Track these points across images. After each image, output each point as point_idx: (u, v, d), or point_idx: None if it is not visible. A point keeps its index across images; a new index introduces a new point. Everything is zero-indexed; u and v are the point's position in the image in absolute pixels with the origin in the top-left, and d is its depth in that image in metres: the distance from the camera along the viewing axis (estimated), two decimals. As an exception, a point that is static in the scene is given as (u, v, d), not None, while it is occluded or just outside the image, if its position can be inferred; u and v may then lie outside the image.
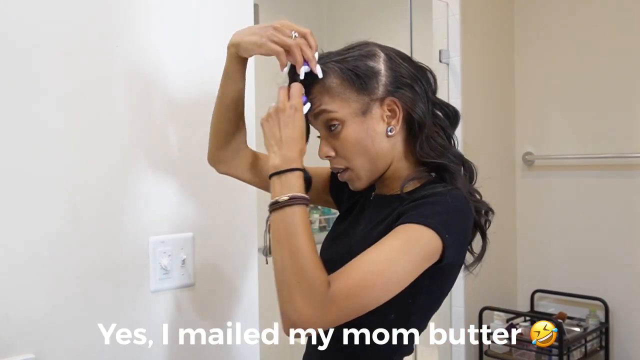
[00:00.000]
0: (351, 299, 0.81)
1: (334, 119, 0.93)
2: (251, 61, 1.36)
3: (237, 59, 0.98)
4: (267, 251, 0.93)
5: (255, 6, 1.37)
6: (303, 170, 0.87)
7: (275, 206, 0.84)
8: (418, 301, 0.92)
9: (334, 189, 1.14)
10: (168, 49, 1.21)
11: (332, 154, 0.96)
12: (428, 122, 0.95)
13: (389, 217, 0.92)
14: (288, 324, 0.81)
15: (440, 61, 2.44)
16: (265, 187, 1.10)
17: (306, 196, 0.85)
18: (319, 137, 0.98)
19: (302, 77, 0.92)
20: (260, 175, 1.12)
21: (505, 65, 2.77)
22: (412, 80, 0.95)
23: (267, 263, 0.90)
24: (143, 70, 1.17)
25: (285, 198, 0.83)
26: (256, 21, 1.37)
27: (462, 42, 2.44)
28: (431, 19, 2.49)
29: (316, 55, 0.92)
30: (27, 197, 1.02)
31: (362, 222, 1.02)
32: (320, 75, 0.92)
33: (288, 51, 0.91)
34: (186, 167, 1.23)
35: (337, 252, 0.99)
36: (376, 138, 0.93)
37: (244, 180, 1.13)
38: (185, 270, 1.23)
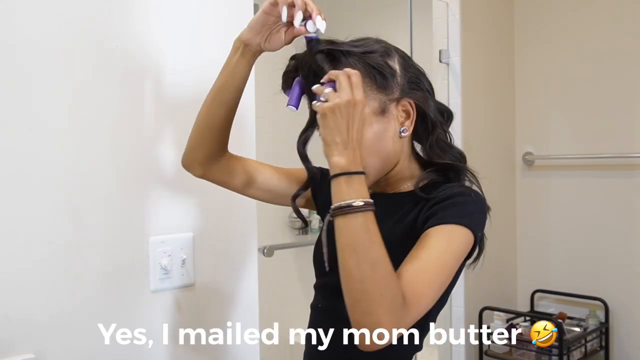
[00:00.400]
0: (421, 305, 0.81)
1: None
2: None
3: (245, 52, 0.96)
4: (325, 257, 0.87)
5: (255, 6, 1.37)
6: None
7: (348, 210, 0.78)
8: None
9: (314, 189, 1.12)
10: (168, 49, 1.21)
11: None
12: (439, 122, 0.96)
13: (410, 215, 0.93)
14: (367, 338, 0.76)
15: (440, 61, 2.44)
16: (255, 194, 1.10)
17: (372, 202, 0.80)
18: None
19: (310, 28, 0.89)
20: (251, 180, 1.08)
21: (505, 65, 2.77)
22: (422, 81, 0.97)
23: (327, 269, 0.84)
24: (143, 70, 1.17)
25: (360, 203, 0.78)
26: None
27: (462, 42, 2.44)
28: (431, 19, 2.49)
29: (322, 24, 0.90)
30: (27, 197, 1.02)
31: None
32: (322, 28, 0.89)
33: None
34: (186, 167, 1.23)
35: None
36: (390, 138, 0.93)
37: (224, 185, 1.09)
38: (185, 270, 1.23)
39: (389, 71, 0.92)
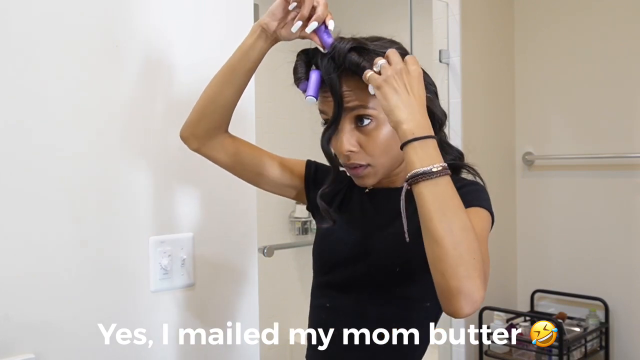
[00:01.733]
0: (488, 270, 0.81)
1: (369, 116, 0.91)
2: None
3: (261, 35, 0.97)
4: (406, 228, 0.84)
5: (255, 6, 1.37)
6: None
7: (429, 176, 0.76)
8: None
9: (310, 182, 1.12)
10: (168, 48, 1.21)
11: (356, 149, 0.92)
12: (442, 123, 0.98)
13: None
14: (469, 301, 0.75)
15: (440, 61, 2.44)
16: (242, 174, 1.10)
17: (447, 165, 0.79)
18: (324, 124, 0.96)
19: (311, 28, 0.90)
20: (241, 160, 1.08)
21: (505, 65, 2.77)
22: (429, 82, 0.98)
23: (407, 240, 0.82)
24: (142, 69, 1.17)
25: (439, 167, 0.76)
26: (256, 21, 1.37)
27: (462, 42, 2.44)
28: (431, 19, 2.49)
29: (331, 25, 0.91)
30: (27, 197, 1.02)
31: (373, 214, 1.02)
32: (332, 27, 0.91)
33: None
34: (186, 167, 1.23)
35: (364, 244, 0.99)
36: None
37: (217, 162, 1.08)
38: (185, 270, 1.23)
39: None
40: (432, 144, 0.79)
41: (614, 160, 2.52)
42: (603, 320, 2.51)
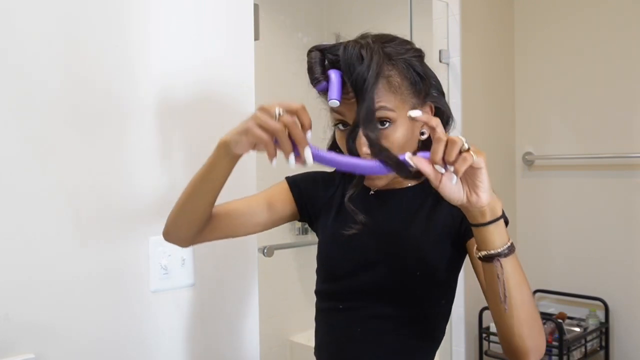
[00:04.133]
0: None
1: (389, 118, 0.91)
2: (250, 60, 1.37)
3: (228, 157, 0.89)
4: (504, 299, 0.88)
5: (255, 6, 1.37)
6: None
7: (512, 251, 0.82)
8: (456, 281, 1.05)
9: (302, 198, 1.10)
10: (168, 49, 1.21)
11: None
12: (449, 126, 1.01)
13: (435, 210, 0.99)
14: (539, 355, 0.85)
15: (440, 61, 2.44)
16: (240, 234, 1.06)
17: None
18: (335, 125, 0.96)
19: (292, 166, 0.80)
20: (235, 228, 1.05)
21: (505, 66, 2.77)
22: (437, 82, 1.00)
23: (505, 311, 0.86)
24: (142, 70, 1.17)
25: (511, 244, 0.83)
26: (256, 21, 1.37)
27: (462, 42, 2.44)
28: (431, 19, 2.49)
29: (309, 135, 0.81)
30: (27, 197, 1.02)
31: (384, 217, 1.02)
32: (310, 162, 0.81)
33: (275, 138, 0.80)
34: (186, 166, 1.23)
35: (383, 248, 1.00)
36: (413, 141, 0.96)
37: (214, 240, 1.06)
38: (185, 270, 1.23)
39: (423, 74, 0.95)
40: (503, 222, 0.82)
41: (614, 160, 2.52)
42: (603, 320, 2.51)
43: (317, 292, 1.10)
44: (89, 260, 1.09)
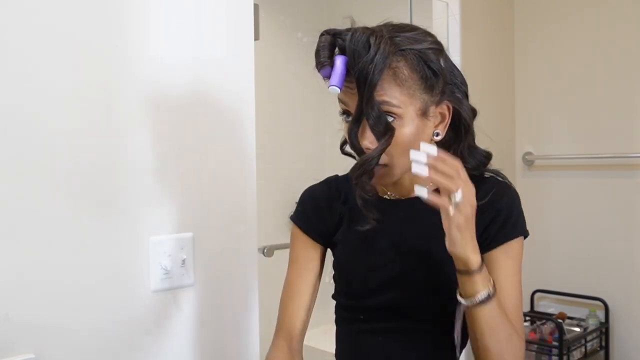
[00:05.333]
0: (524, 334, 0.95)
1: (393, 113, 0.85)
2: (250, 60, 1.37)
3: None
4: (459, 342, 0.96)
5: (255, 6, 1.37)
6: None
7: (489, 300, 0.84)
8: None
9: (315, 233, 1.08)
10: (168, 49, 1.20)
11: (373, 146, 0.86)
12: (470, 126, 0.95)
13: None
14: None
15: (441, 60, 2.44)
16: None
17: None
18: (343, 115, 0.91)
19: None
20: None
21: (505, 66, 2.77)
22: (461, 81, 0.95)
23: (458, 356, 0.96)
24: (142, 70, 1.17)
25: (492, 290, 0.85)
26: (256, 21, 1.37)
27: (462, 42, 2.44)
28: (431, 19, 2.49)
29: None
30: (27, 196, 1.02)
31: (400, 230, 0.98)
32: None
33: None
34: (186, 166, 1.23)
35: (405, 266, 0.97)
36: (423, 140, 0.89)
37: None
38: (185, 270, 1.23)
39: (437, 69, 0.87)
40: (479, 274, 0.84)
41: (614, 160, 2.52)
42: (603, 320, 2.51)
43: (336, 299, 1.07)
44: (89, 260, 1.09)
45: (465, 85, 0.96)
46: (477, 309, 0.84)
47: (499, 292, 0.87)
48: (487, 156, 1.00)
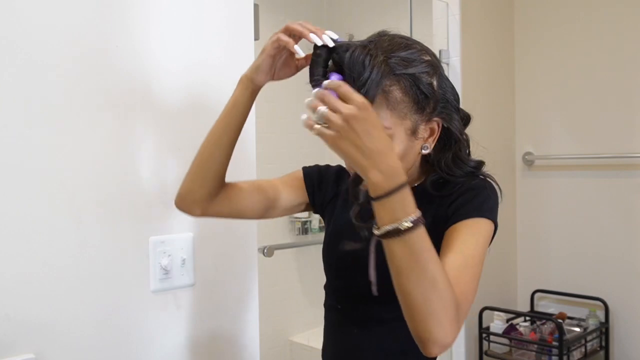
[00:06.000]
0: (469, 302, 0.82)
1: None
2: (250, 60, 1.37)
3: (249, 90, 0.96)
4: (374, 280, 0.90)
5: (255, 6, 1.37)
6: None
7: (395, 235, 0.73)
8: None
9: (314, 189, 1.11)
10: (168, 49, 1.21)
11: None
12: (459, 139, 0.95)
13: (426, 214, 0.87)
14: (438, 346, 0.76)
15: (440, 61, 2.44)
16: (252, 216, 1.07)
17: (420, 213, 0.74)
18: None
19: (316, 41, 0.85)
20: (248, 205, 1.04)
21: (505, 66, 2.77)
22: (453, 95, 0.95)
23: (376, 294, 0.82)
24: (142, 70, 1.17)
25: (408, 224, 0.72)
26: (256, 21, 1.37)
27: (462, 42, 2.44)
28: (431, 19, 2.50)
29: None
30: (28, 196, 1.02)
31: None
32: (334, 37, 0.86)
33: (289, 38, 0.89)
34: (186, 166, 1.23)
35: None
36: (412, 155, 0.92)
37: (226, 216, 1.05)
38: (185, 270, 1.23)
39: (429, 92, 0.89)
40: (403, 193, 0.73)
41: (614, 160, 2.52)
42: (603, 320, 2.51)
43: (324, 287, 1.11)
44: (89, 260, 1.09)
45: (457, 97, 0.96)
46: (390, 242, 0.74)
47: (449, 255, 0.84)
48: (477, 166, 0.99)
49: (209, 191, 1.00)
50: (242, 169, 1.32)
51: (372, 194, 0.73)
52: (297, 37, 0.90)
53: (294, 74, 0.96)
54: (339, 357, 1.05)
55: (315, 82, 0.86)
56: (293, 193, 1.10)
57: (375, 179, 0.72)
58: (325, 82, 0.75)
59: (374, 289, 0.95)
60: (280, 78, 0.97)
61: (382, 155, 0.72)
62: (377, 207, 0.74)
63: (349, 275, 1.02)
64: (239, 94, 0.97)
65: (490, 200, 0.94)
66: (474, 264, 0.85)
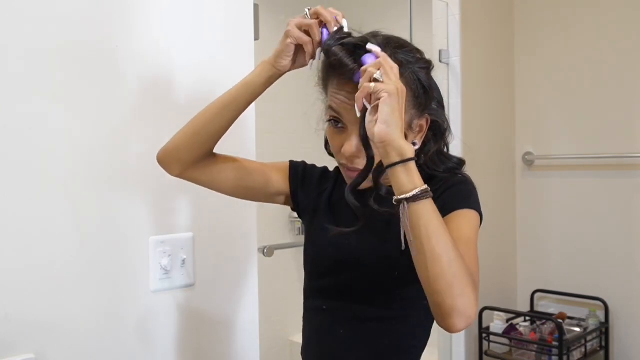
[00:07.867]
0: (478, 282, 0.83)
1: None
2: (250, 60, 1.37)
3: (269, 74, 0.95)
4: (405, 244, 0.83)
5: (256, 6, 1.37)
6: None
7: (421, 197, 0.76)
8: None
9: (297, 183, 1.11)
10: (168, 49, 1.21)
11: (360, 155, 0.90)
12: (444, 136, 0.98)
13: None
14: (463, 318, 0.75)
15: (440, 61, 2.44)
16: (231, 192, 1.07)
17: None
18: (329, 121, 0.94)
19: (346, 29, 0.91)
20: (229, 180, 1.06)
21: (505, 65, 2.77)
22: (438, 94, 0.98)
23: (403, 248, 0.80)
24: (142, 70, 1.17)
25: (425, 188, 0.77)
26: (256, 21, 1.37)
27: (462, 42, 2.44)
28: (431, 19, 2.49)
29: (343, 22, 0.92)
30: (27, 196, 1.02)
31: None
32: (346, 28, 0.91)
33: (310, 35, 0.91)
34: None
35: (370, 249, 0.98)
36: None
37: (203, 184, 1.06)
38: (185, 270, 1.23)
39: (429, 88, 0.92)
40: (414, 165, 0.78)
41: (614, 160, 2.52)
42: (603, 320, 2.51)
43: (304, 291, 1.10)
44: (89, 260, 1.09)
45: (442, 97, 1.00)
46: (419, 206, 0.76)
47: (458, 238, 0.85)
48: (459, 163, 1.02)
49: (193, 156, 1.01)
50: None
51: (399, 158, 0.77)
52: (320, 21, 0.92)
53: (307, 63, 0.96)
54: (324, 358, 1.04)
55: (351, 71, 0.87)
56: (275, 182, 1.09)
57: (404, 143, 0.77)
58: (377, 50, 0.82)
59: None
60: (297, 67, 0.96)
61: (403, 132, 0.78)
62: (403, 171, 0.77)
63: (337, 273, 1.01)
64: (255, 74, 0.96)
65: (474, 194, 0.96)
66: (473, 247, 0.87)
